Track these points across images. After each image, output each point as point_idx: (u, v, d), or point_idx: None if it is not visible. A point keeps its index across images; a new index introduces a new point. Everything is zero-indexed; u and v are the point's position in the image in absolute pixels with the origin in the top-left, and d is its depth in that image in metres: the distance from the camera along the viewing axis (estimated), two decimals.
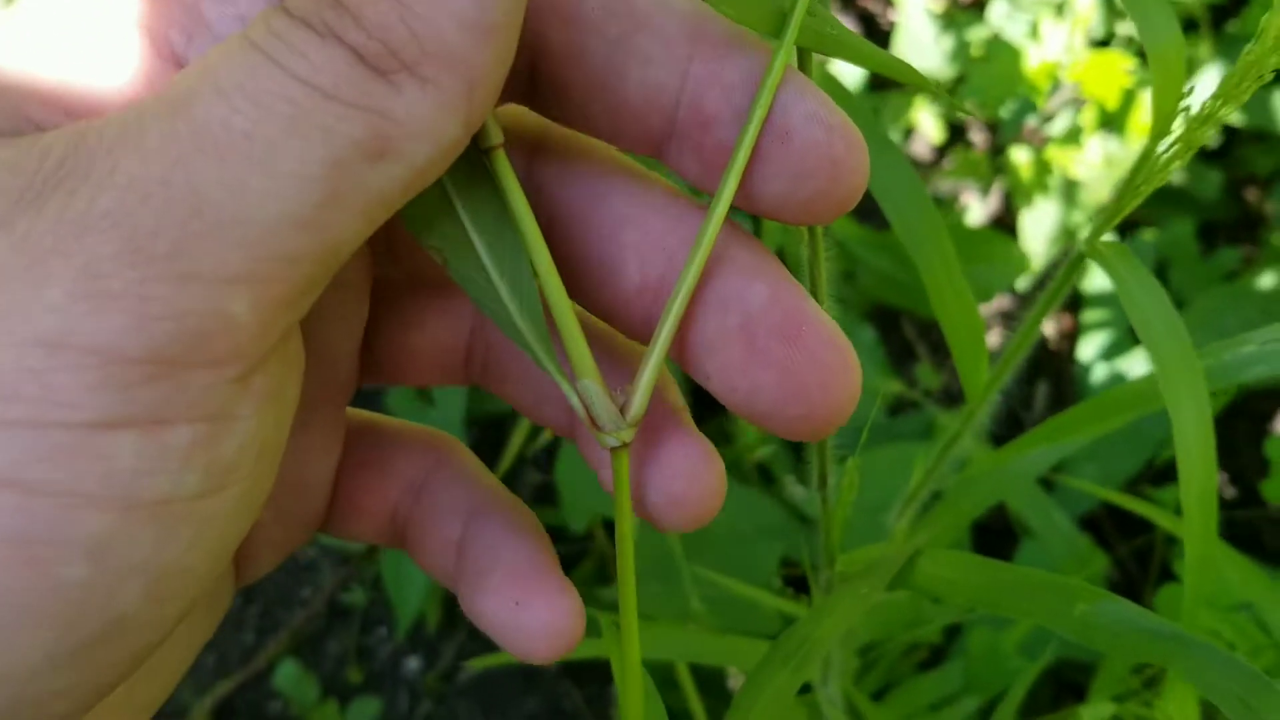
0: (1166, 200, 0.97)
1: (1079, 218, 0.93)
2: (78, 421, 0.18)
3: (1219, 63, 0.90)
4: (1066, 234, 0.94)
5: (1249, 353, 0.36)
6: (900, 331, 0.99)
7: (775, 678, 0.33)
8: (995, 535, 0.82)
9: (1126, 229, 0.95)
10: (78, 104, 0.21)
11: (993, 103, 0.93)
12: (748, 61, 0.22)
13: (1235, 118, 0.89)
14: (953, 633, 0.70)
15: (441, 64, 0.19)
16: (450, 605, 0.92)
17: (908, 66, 0.23)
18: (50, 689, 0.19)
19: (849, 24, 1.11)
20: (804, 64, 0.25)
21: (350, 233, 0.19)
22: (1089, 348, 0.90)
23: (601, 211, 0.24)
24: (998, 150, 1.02)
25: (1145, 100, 0.89)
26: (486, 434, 0.94)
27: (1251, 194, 1.01)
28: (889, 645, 0.62)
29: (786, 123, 0.22)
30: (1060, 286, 0.37)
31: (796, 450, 0.69)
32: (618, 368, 0.25)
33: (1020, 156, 0.94)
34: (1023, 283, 0.96)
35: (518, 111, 0.25)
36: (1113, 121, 0.91)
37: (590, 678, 0.89)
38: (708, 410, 0.91)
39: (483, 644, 0.90)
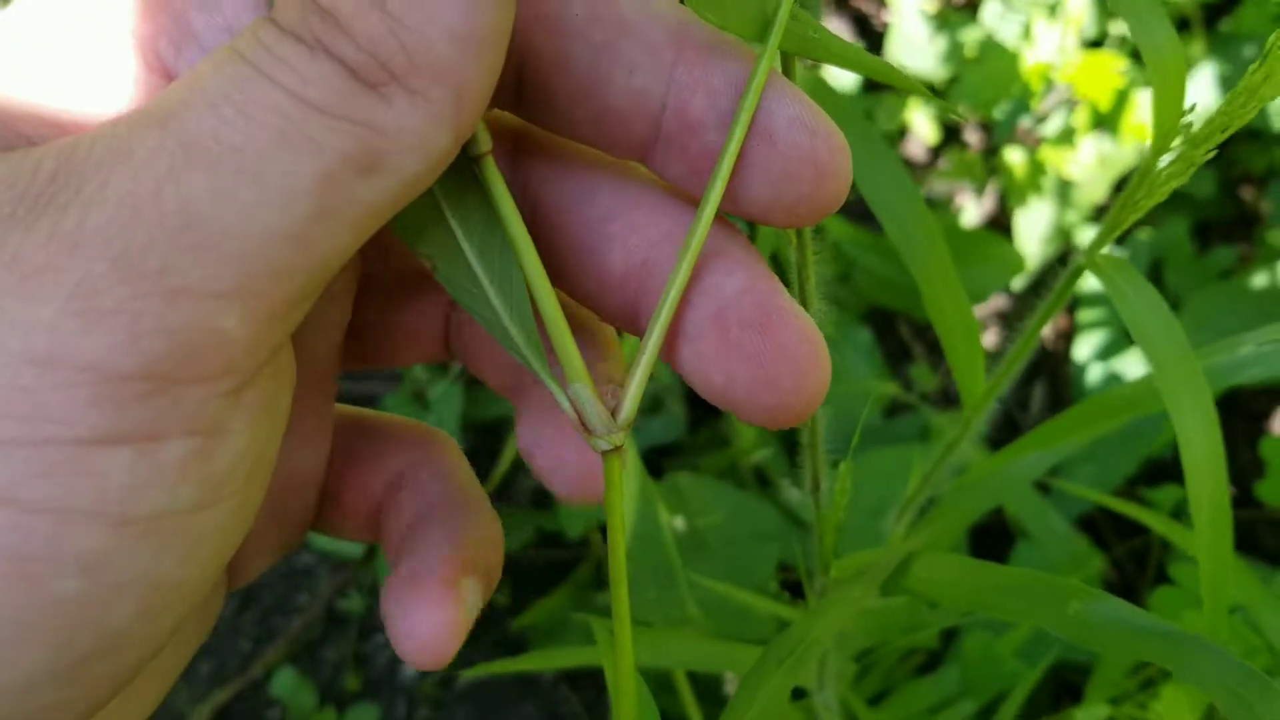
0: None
1: (1073, 218, 0.93)
2: (71, 438, 0.18)
3: (1212, 61, 0.90)
4: (1061, 234, 0.94)
5: (1245, 354, 0.36)
6: (896, 333, 0.99)
7: (769, 680, 0.33)
8: (992, 537, 0.82)
9: None
10: (67, 117, 0.21)
11: (987, 103, 0.93)
12: (732, 67, 0.22)
13: None
14: (949, 637, 0.70)
15: (431, 76, 0.19)
16: None
17: (892, 69, 0.23)
18: (46, 703, 0.19)
19: (842, 26, 1.11)
20: (788, 68, 0.25)
21: (340, 245, 0.19)
22: (1085, 347, 0.90)
23: (587, 203, 0.24)
24: (992, 151, 1.02)
25: (1138, 100, 0.90)
26: (483, 438, 0.94)
27: (1247, 192, 1.01)
28: (886, 650, 0.62)
29: (771, 127, 0.22)
30: (1058, 298, 0.37)
31: (792, 454, 0.69)
32: (590, 349, 0.26)
33: (1014, 157, 0.94)
34: (1018, 283, 0.96)
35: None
36: (1106, 121, 0.92)
37: (588, 684, 0.89)
38: (706, 412, 0.91)
39: (480, 651, 0.90)
